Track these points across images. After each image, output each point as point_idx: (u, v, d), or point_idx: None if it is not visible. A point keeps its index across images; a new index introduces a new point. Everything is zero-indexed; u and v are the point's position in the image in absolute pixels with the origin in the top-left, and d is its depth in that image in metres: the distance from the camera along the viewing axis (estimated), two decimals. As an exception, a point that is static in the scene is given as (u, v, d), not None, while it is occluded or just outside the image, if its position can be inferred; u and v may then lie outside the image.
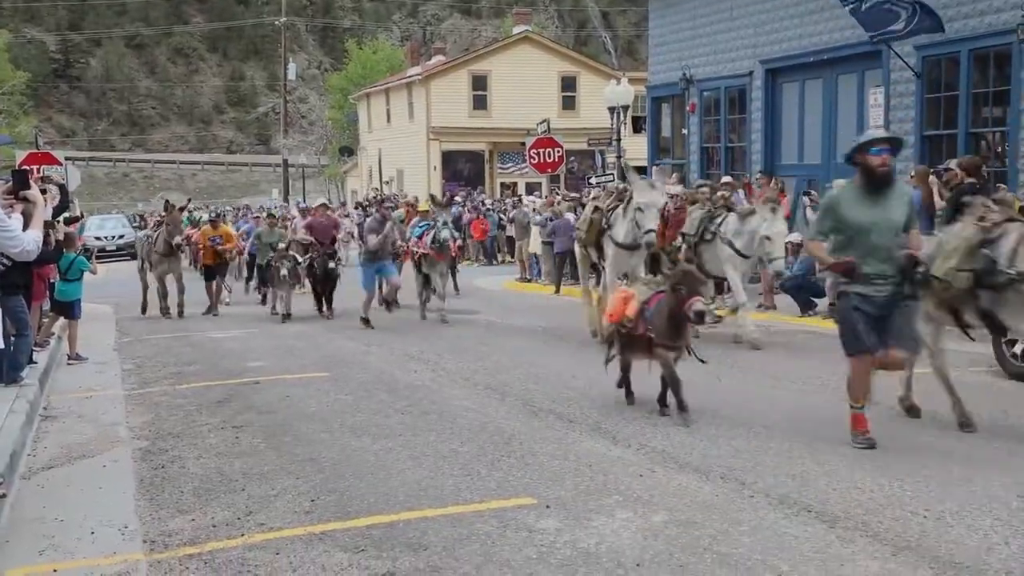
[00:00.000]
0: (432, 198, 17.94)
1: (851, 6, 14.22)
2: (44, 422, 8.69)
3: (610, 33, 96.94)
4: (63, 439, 8.05)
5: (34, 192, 5.24)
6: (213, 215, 21.37)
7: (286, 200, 53.03)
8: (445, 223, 15.13)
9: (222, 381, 10.47)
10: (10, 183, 5.58)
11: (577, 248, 13.58)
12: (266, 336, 14.35)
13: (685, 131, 21.49)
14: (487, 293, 20.06)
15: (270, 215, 20.06)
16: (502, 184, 38.86)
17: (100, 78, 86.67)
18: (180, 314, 17.09)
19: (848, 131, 17.11)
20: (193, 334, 14.95)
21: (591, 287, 13.26)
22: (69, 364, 12.08)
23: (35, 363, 10.70)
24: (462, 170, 40.09)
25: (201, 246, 18.27)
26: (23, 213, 5.40)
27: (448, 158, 39.91)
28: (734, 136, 20.19)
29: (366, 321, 14.39)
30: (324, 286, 16.06)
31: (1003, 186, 12.52)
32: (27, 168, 8.95)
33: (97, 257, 14.86)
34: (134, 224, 40.29)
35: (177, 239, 17.01)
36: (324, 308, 16.21)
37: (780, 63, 18.43)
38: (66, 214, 13.74)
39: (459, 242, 20.90)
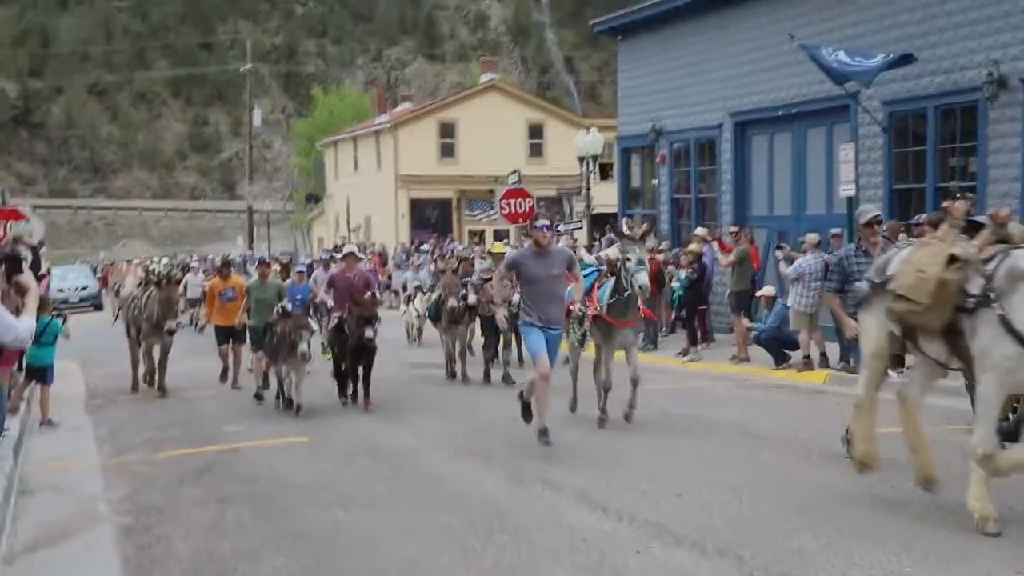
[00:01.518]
0: (612, 228, 12.39)
1: (821, 58, 14.44)
2: (22, 498, 8.53)
3: (573, 78, 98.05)
4: (42, 516, 7.90)
5: (27, 278, 5.20)
6: (217, 264, 18.98)
7: (251, 247, 52.82)
8: (640, 262, 10.03)
9: (201, 448, 10.35)
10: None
11: None
12: (239, 395, 14.20)
13: (655, 181, 21.71)
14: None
15: (262, 262, 16.39)
16: (470, 231, 38.96)
17: (61, 125, 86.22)
18: (161, 390, 14.52)
19: (817, 183, 17.42)
20: (165, 394, 14.76)
21: None
22: (41, 430, 11.88)
23: (7, 430, 10.51)
24: (430, 217, 40.18)
25: (210, 306, 15.54)
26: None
27: (416, 205, 40.02)
28: (704, 187, 20.42)
29: (526, 408, 9.53)
30: (356, 361, 12.24)
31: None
32: (19, 255, 8.56)
33: (58, 311, 14.43)
34: (98, 276, 39.90)
35: (171, 324, 13.93)
36: (353, 393, 12.51)
37: (749, 116, 18.71)
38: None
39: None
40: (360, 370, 12.27)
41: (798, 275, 14.15)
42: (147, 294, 14.79)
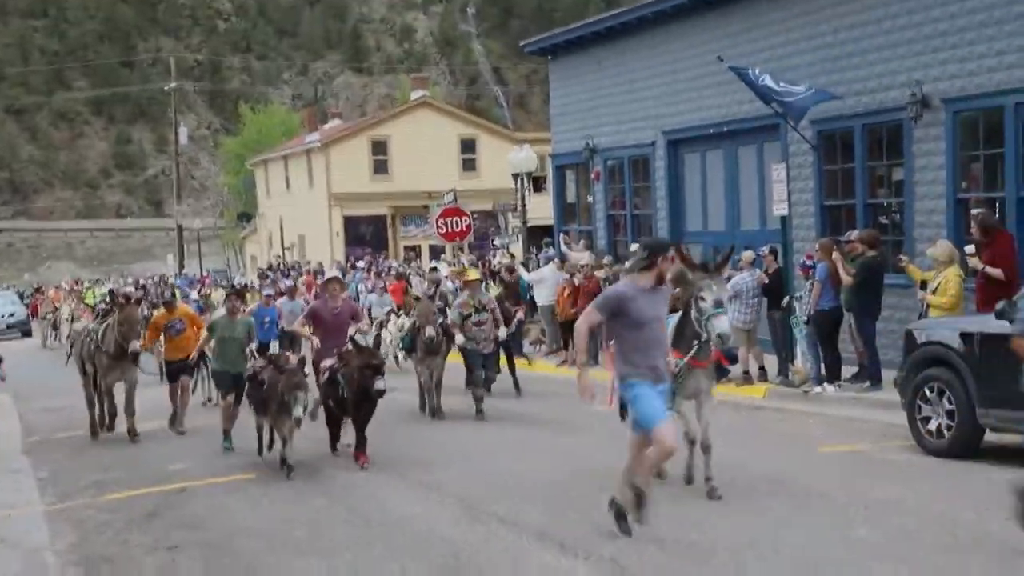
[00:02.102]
0: (683, 256, 8.00)
1: (751, 79, 14.76)
2: (-34, 552, 8.34)
3: (502, 88, 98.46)
4: (-11, 572, 7.75)
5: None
6: (165, 295, 18.28)
7: (182, 266, 52.06)
8: (719, 304, 8.11)
9: (147, 489, 10.20)
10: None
11: None
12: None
13: (590, 198, 21.93)
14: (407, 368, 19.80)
15: (233, 290, 14.45)
16: (406, 247, 38.93)
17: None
18: (131, 434, 13.18)
19: (750, 199, 17.76)
20: (105, 432, 14.48)
21: None
22: (-22, 475, 11.61)
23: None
24: (364, 234, 40.05)
25: (149, 341, 14.20)
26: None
27: (350, 223, 39.85)
28: (639, 202, 20.69)
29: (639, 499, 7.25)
30: (357, 413, 10.54)
31: (904, 256, 13.11)
32: None
33: None
34: (25, 301, 39.00)
35: (135, 344, 12.87)
36: (346, 445, 11.01)
37: (681, 134, 19.00)
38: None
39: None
40: (358, 421, 10.55)
41: (736, 292, 14.39)
42: (105, 325, 13.44)
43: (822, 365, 13.18)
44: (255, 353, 11.84)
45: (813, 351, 13.38)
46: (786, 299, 13.96)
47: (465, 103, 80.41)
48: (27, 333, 34.89)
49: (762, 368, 14.49)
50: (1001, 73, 12.99)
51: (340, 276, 13.04)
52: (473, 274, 15.08)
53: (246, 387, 11.26)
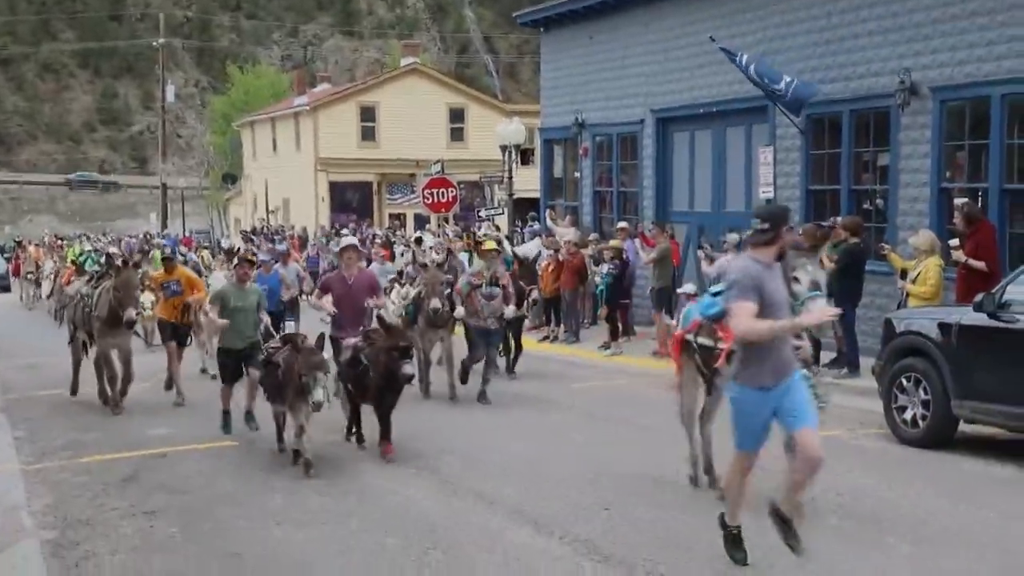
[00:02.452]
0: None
1: (738, 64, 14.80)
2: (-58, 509, 8.33)
3: (492, 56, 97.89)
4: (-35, 530, 7.74)
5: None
6: (164, 252, 16.49)
7: (164, 225, 51.75)
8: (816, 285, 6.72)
9: (126, 453, 10.19)
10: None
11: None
12: (164, 394, 13.91)
13: (577, 174, 21.90)
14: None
15: (243, 260, 11.28)
16: (391, 215, 38.81)
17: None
18: (116, 402, 12.55)
19: (737, 181, 17.77)
20: (85, 389, 14.40)
21: None
22: (-46, 433, 11.58)
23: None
24: (350, 201, 39.92)
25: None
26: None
27: (336, 189, 39.69)
28: (626, 180, 20.68)
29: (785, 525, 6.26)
30: (381, 400, 9.57)
31: (886, 245, 13.18)
32: None
33: None
34: (5, 255, 38.66)
35: (131, 312, 12.01)
36: (360, 434, 10.20)
37: (670, 113, 18.97)
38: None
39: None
40: (382, 410, 9.61)
41: (719, 274, 14.43)
42: (100, 290, 12.67)
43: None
44: (270, 329, 10.89)
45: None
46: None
47: (455, 71, 79.92)
48: (6, 288, 34.61)
49: (741, 350, 14.54)
50: (990, 64, 13.02)
51: (356, 243, 11.92)
52: (490, 243, 13.81)
53: (260, 371, 10.08)
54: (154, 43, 58.37)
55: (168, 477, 9.17)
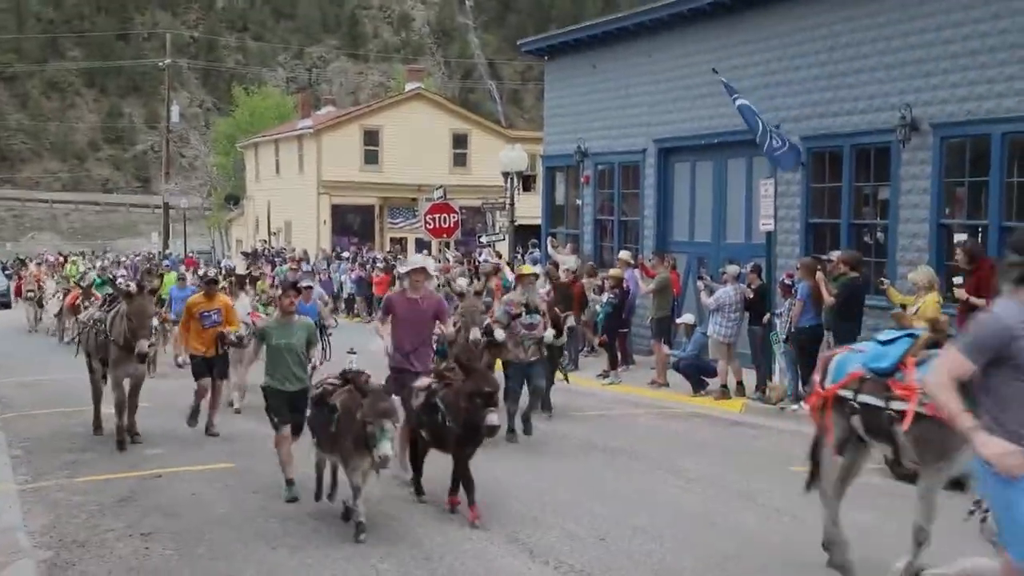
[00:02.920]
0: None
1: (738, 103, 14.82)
2: (-62, 528, 8.35)
3: (496, 82, 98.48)
4: (-39, 550, 7.76)
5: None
6: (205, 275, 14.83)
7: (166, 245, 51.88)
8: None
9: (122, 474, 10.22)
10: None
11: None
12: (162, 415, 13.89)
13: (579, 202, 22.00)
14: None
15: (288, 287, 10.05)
16: (392, 239, 38.93)
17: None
18: (131, 437, 11.63)
19: (736, 212, 17.87)
20: (83, 409, 14.43)
21: None
22: (-48, 450, 11.59)
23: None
24: (351, 224, 40.04)
25: (185, 329, 12.49)
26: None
27: (338, 212, 39.82)
28: (627, 209, 20.78)
29: None
30: (460, 453, 8.31)
31: (885, 280, 13.23)
32: None
33: None
34: (7, 272, 38.73)
35: (143, 345, 11.02)
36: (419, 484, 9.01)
37: (672, 143, 19.10)
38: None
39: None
40: (460, 462, 8.29)
41: (718, 305, 14.53)
42: (114, 312, 11.80)
43: (800, 383, 13.29)
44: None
45: (791, 368, 13.50)
46: (767, 316, 14.07)
47: (459, 96, 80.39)
48: (6, 305, 34.64)
49: (740, 383, 14.61)
50: (991, 101, 13.14)
51: (427, 266, 10.58)
52: (527, 268, 13.00)
53: (309, 412, 8.77)
54: (160, 63, 58.75)
55: (164, 499, 9.18)
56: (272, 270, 26.85)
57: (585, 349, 18.61)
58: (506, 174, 24.79)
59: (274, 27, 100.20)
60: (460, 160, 40.59)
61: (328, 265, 31.62)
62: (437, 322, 9.83)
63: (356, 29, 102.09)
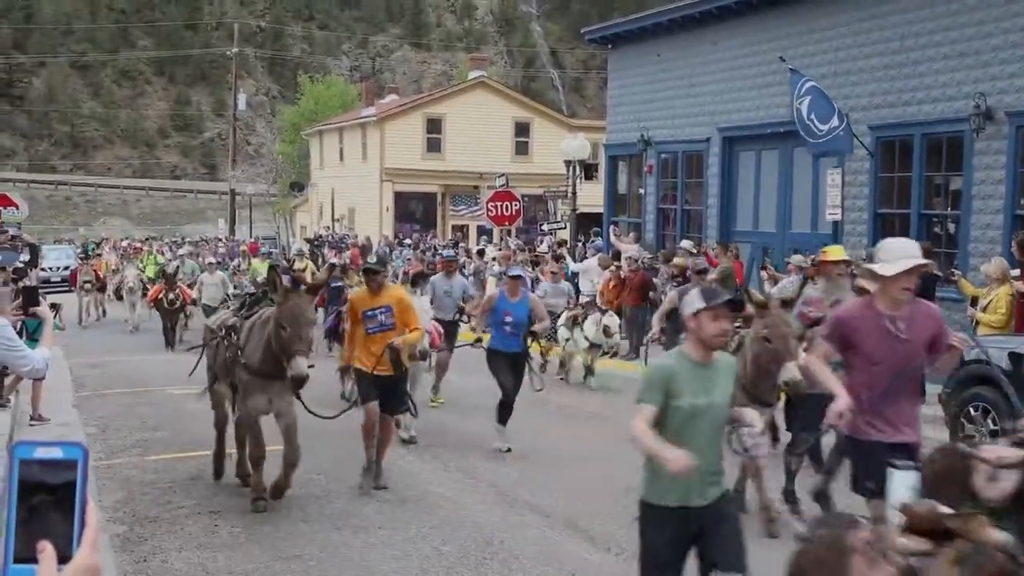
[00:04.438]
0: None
1: (794, 89, 14.63)
2: (16, 502, 8.58)
3: (559, 71, 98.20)
4: (38, 523, 7.97)
5: (43, 309, 5.30)
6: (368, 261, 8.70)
7: (232, 231, 52.69)
8: None
9: (192, 453, 10.42)
10: (19, 300, 5.61)
11: None
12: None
13: (641, 191, 21.89)
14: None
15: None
16: (454, 227, 39.09)
17: (43, 98, 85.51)
18: (278, 490, 8.27)
19: (803, 202, 17.64)
20: (153, 390, 14.78)
21: None
22: (31, 426, 11.91)
23: (-3, 427, 10.46)
24: (414, 211, 40.26)
25: (351, 340, 8.93)
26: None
27: (400, 199, 40.05)
28: (690, 198, 20.63)
29: None
30: None
31: (957, 271, 12.98)
32: (35, 286, 7.50)
33: (53, 305, 14.22)
34: (80, 254, 39.58)
35: (300, 365, 7.54)
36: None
37: (737, 132, 18.91)
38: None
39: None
40: None
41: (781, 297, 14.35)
42: (253, 318, 8.32)
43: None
44: None
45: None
46: (833, 306, 13.86)
47: (521, 85, 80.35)
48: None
49: (802, 374, 14.40)
50: (1069, 90, 12.80)
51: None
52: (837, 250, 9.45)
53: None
54: (227, 52, 59.54)
55: (231, 478, 9.34)
56: (336, 255, 27.03)
57: (648, 339, 18.49)
58: (568, 162, 24.72)
59: (339, 16, 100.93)
60: (522, 148, 40.58)
61: (390, 252, 31.81)
62: None
63: (420, 18, 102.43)
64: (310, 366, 7.94)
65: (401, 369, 8.79)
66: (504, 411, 10.39)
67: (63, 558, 1.43)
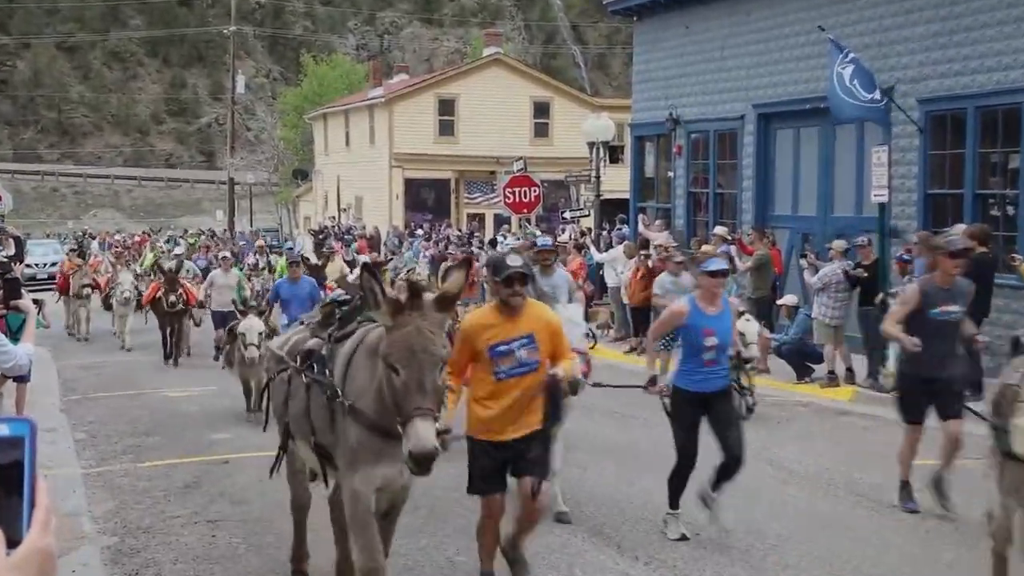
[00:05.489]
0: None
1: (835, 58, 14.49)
2: (0, 512, 8.63)
3: (580, 47, 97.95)
4: (24, 534, 8.01)
5: (26, 303, 5.32)
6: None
7: (232, 223, 52.87)
8: None
9: (187, 458, 10.47)
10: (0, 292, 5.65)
11: None
12: (225, 397, 14.23)
13: (671, 174, 21.81)
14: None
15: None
16: (469, 215, 39.04)
17: (28, 83, 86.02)
18: None
19: (847, 184, 17.51)
20: (146, 392, 14.88)
21: None
22: (16, 432, 11.96)
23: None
24: (426, 199, 40.25)
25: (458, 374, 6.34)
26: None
27: (411, 186, 40.05)
28: (723, 181, 20.53)
29: None
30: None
31: (1017, 256, 12.85)
32: (17, 278, 7.66)
33: (36, 302, 14.22)
34: (74, 250, 39.78)
35: (426, 434, 5.09)
36: None
37: (774, 108, 18.80)
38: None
39: None
40: None
41: (824, 284, 14.28)
42: (353, 341, 5.80)
43: (916, 368, 12.98)
44: None
45: (906, 353, 13.18)
46: (880, 295, 13.77)
47: (540, 62, 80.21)
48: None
49: (849, 369, 14.36)
50: None
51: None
52: None
53: None
54: (224, 30, 59.72)
55: (230, 485, 9.39)
56: (343, 248, 27.05)
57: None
58: (591, 144, 24.65)
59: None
60: (541, 130, 40.50)
61: (400, 243, 31.85)
62: None
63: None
64: (443, 432, 5.66)
65: (559, 415, 6.41)
66: (682, 480, 7.57)
67: (13, 542, 1.42)
